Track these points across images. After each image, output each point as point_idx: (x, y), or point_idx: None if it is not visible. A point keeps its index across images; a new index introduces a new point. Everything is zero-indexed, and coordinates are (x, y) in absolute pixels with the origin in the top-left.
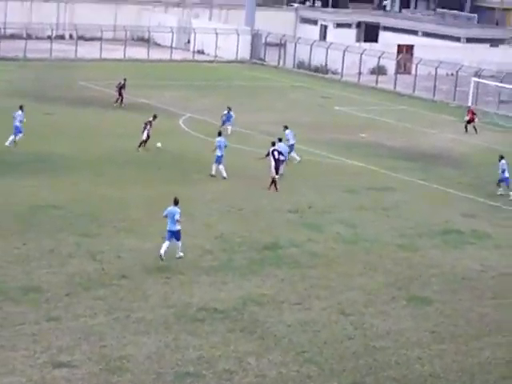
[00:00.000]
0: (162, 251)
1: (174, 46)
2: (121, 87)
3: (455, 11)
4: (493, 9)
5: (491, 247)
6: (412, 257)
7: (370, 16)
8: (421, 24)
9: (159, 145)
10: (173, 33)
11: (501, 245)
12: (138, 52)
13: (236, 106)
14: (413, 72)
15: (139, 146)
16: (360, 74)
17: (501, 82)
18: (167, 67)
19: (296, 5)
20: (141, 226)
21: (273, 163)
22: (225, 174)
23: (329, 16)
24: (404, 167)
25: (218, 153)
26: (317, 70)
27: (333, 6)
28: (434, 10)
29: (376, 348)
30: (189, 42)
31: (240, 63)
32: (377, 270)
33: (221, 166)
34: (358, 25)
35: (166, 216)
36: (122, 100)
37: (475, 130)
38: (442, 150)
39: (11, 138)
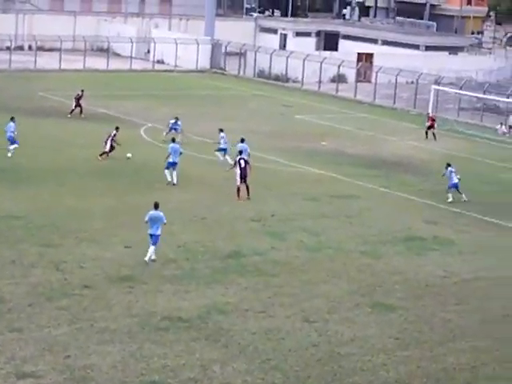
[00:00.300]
0: (150, 257)
1: (133, 56)
2: (79, 98)
3: (414, 19)
4: (452, 17)
5: (454, 253)
6: (375, 264)
7: (329, 25)
8: (380, 32)
9: (129, 155)
10: (132, 43)
11: (463, 251)
12: (98, 62)
13: (197, 116)
14: (373, 80)
15: (100, 155)
16: (320, 82)
17: (460, 89)
18: (127, 77)
19: (255, 14)
20: (103, 235)
21: (238, 171)
22: (175, 181)
23: (288, 25)
24: (366, 174)
25: (170, 159)
26: (277, 78)
27: (292, 15)
28: (394, 18)
29: (341, 355)
30: (148, 51)
31: (200, 73)
32: (340, 278)
33: (174, 173)
34: (318, 33)
35: (147, 221)
36: (81, 111)
37: (434, 136)
38: (403, 157)
39: (12, 146)
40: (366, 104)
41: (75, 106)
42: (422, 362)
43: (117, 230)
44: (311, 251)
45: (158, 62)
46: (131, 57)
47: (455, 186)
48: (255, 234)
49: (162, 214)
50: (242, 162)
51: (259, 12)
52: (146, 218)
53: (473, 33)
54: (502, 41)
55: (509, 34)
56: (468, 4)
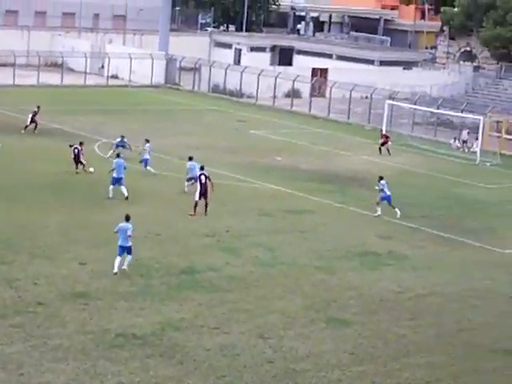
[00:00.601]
0: (116, 268)
1: (87, 71)
2: (34, 114)
3: (368, 34)
4: (405, 32)
5: (408, 268)
6: (330, 279)
7: (284, 40)
8: (335, 47)
9: (92, 170)
10: (86, 58)
11: (417, 266)
12: (52, 77)
13: (152, 131)
14: (327, 95)
15: (76, 169)
16: (275, 97)
17: (415, 104)
18: (81, 92)
19: (210, 29)
20: (57, 252)
21: (198, 187)
22: (126, 194)
23: (243, 40)
24: (321, 190)
25: (115, 174)
26: (232, 93)
27: (247, 30)
28: (348, 33)
29: (296, 371)
30: (103, 67)
31: (155, 88)
32: (295, 293)
33: (122, 187)
34: (273, 48)
35: (117, 232)
36: (35, 127)
37: (388, 151)
38: (357, 172)
39: None
40: (321, 119)
41: (30, 122)
42: (377, 378)
43: (70, 246)
44: (266, 267)
45: (113, 77)
46: (85, 72)
47: (387, 199)
48: (210, 249)
49: (130, 225)
50: (203, 177)
51: (214, 27)
52: (116, 229)
53: (426, 48)
54: (455, 56)
55: (462, 49)
56: (421, 19)
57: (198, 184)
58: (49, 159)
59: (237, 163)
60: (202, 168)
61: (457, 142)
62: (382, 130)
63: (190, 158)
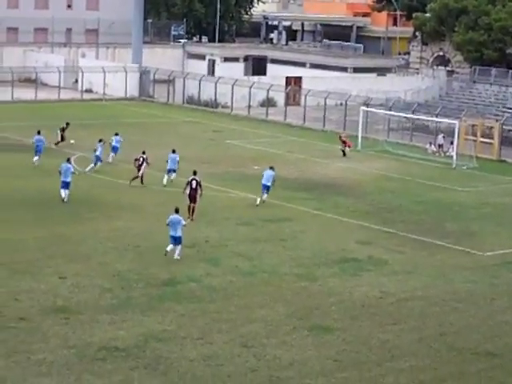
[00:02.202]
0: (168, 248)
1: (61, 85)
2: (62, 130)
3: (341, 42)
4: (378, 38)
5: (388, 273)
6: (311, 286)
7: (257, 49)
8: (308, 56)
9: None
10: (60, 72)
11: (397, 271)
12: (26, 93)
13: (128, 144)
14: (302, 103)
15: (132, 180)
16: (250, 106)
17: (389, 110)
18: (56, 107)
19: (183, 41)
20: (36, 267)
21: (187, 191)
22: (66, 199)
23: (216, 51)
24: (298, 197)
25: (62, 178)
26: (207, 104)
27: (219, 41)
28: (321, 41)
29: (280, 379)
30: (76, 81)
31: (129, 100)
32: (277, 301)
33: (67, 191)
34: (246, 58)
35: (168, 224)
36: (58, 142)
37: (344, 153)
38: (335, 179)
39: None
40: (296, 127)
41: (61, 138)
42: (361, 383)
43: (50, 261)
44: (246, 276)
45: (87, 91)
46: (59, 87)
47: (266, 188)
48: (190, 260)
49: (180, 217)
50: (194, 182)
51: (186, 38)
52: (168, 221)
53: (400, 53)
54: (428, 61)
55: (435, 54)
56: (394, 25)
57: (189, 188)
58: (25, 175)
59: (214, 173)
60: (194, 173)
61: (432, 146)
62: (340, 136)
63: (174, 151)
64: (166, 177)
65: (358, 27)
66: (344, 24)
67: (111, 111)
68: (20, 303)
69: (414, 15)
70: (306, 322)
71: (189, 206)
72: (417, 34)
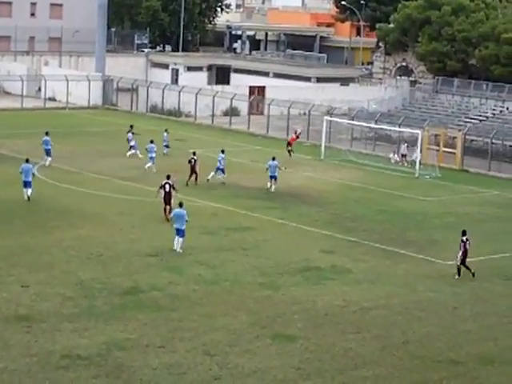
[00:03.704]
0: (175, 245)
1: (24, 94)
2: None
3: (305, 52)
4: (342, 48)
5: (352, 282)
6: (274, 295)
7: (220, 59)
8: (271, 65)
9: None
10: (23, 81)
11: (361, 279)
12: None
13: (92, 153)
14: (265, 112)
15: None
16: (213, 116)
17: (352, 119)
18: (18, 116)
19: (146, 50)
20: None
21: (162, 194)
22: (29, 198)
23: (179, 60)
24: (262, 207)
25: (24, 178)
26: (170, 113)
27: (183, 50)
28: (284, 51)
29: None
30: (39, 89)
31: (92, 109)
32: (239, 310)
33: (29, 190)
34: (210, 68)
35: (172, 217)
36: None
37: (289, 154)
38: (298, 188)
39: None
40: (260, 136)
41: None
42: None
43: (12, 269)
44: (209, 284)
45: (50, 99)
46: (22, 95)
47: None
48: (153, 269)
49: (185, 211)
50: (168, 186)
51: (150, 47)
52: (172, 215)
53: (363, 63)
54: (392, 71)
55: (399, 64)
56: (357, 35)
57: (163, 192)
58: None
59: (177, 182)
60: (168, 177)
61: (396, 155)
62: (295, 132)
63: (223, 151)
64: (212, 173)
65: (321, 37)
66: (308, 34)
67: (75, 120)
68: None
69: (377, 26)
70: (269, 331)
71: (165, 209)
72: (380, 44)
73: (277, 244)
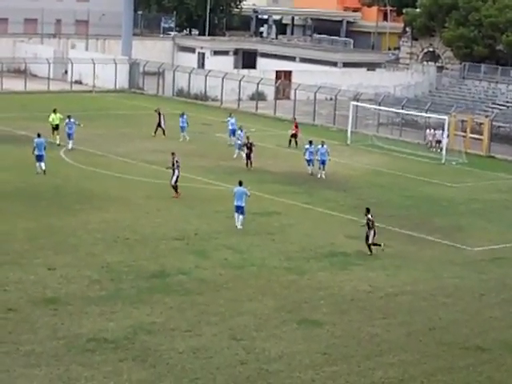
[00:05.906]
0: (236, 223)
1: (51, 77)
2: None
3: (331, 36)
4: (368, 33)
5: (377, 268)
6: (300, 280)
7: (247, 43)
8: (298, 50)
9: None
10: (49, 64)
11: (387, 265)
12: (15, 84)
13: (117, 136)
14: (292, 97)
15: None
16: (239, 100)
17: (379, 104)
18: (45, 98)
19: (173, 33)
20: (25, 258)
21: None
22: (43, 168)
23: (206, 44)
24: (288, 191)
25: (36, 152)
26: (196, 97)
27: (210, 34)
28: (311, 35)
29: (269, 372)
30: (66, 72)
31: (119, 93)
32: (266, 294)
33: (42, 164)
34: (236, 52)
35: (234, 195)
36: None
37: (296, 144)
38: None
39: None
40: (286, 121)
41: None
42: (350, 377)
43: (39, 252)
44: (235, 269)
45: (76, 82)
46: (49, 78)
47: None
48: (179, 252)
49: (245, 189)
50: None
51: (176, 31)
52: (234, 192)
53: (390, 49)
54: (418, 56)
55: (425, 50)
56: (384, 20)
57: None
58: (14, 166)
59: (203, 166)
60: (172, 153)
61: (430, 137)
62: (295, 119)
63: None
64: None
65: (348, 22)
66: (334, 18)
67: (101, 103)
68: (9, 294)
69: (404, 10)
70: (295, 316)
71: (173, 186)
72: (407, 29)
73: (302, 229)
